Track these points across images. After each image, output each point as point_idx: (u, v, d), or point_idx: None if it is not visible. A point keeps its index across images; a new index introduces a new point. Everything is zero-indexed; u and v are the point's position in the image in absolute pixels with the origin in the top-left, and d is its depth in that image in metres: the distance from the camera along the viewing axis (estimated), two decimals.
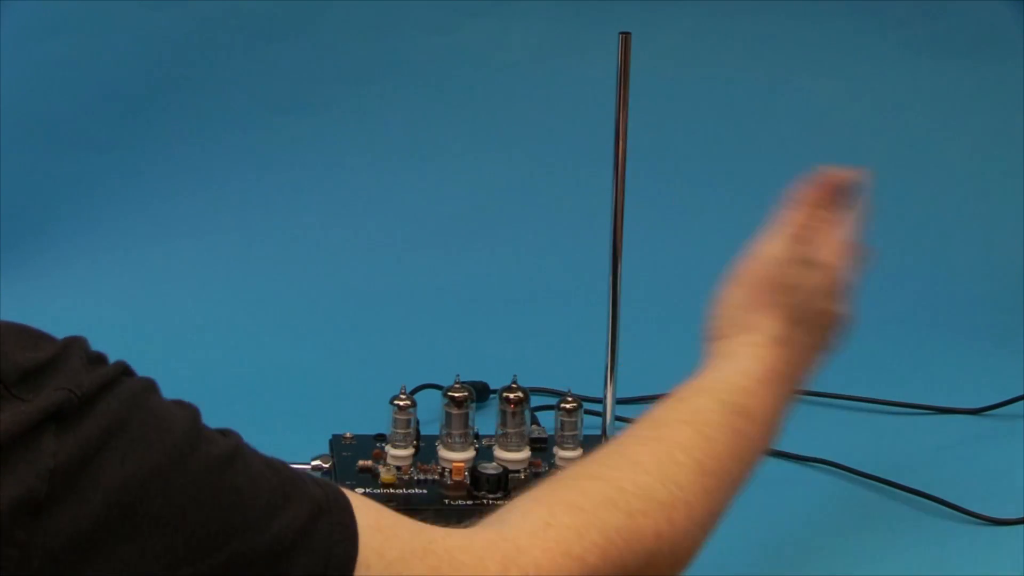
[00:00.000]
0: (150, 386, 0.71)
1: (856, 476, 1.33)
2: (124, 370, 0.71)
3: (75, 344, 0.70)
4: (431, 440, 1.27)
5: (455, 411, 1.25)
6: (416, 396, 1.29)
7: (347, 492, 0.75)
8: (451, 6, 1.87)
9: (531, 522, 0.81)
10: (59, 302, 1.61)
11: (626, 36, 1.12)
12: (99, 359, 0.71)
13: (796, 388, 1.02)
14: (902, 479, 1.30)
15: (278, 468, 0.74)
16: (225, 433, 0.73)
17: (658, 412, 0.94)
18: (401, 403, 1.25)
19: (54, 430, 0.66)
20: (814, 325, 1.02)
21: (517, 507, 0.84)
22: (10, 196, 1.77)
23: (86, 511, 0.66)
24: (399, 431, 1.25)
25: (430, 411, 1.31)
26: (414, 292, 1.74)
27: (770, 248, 1.03)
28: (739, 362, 0.98)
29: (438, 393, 1.28)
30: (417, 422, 1.26)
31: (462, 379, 1.27)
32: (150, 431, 0.68)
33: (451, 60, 1.88)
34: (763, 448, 0.97)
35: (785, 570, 1.16)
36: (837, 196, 1.04)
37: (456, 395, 1.25)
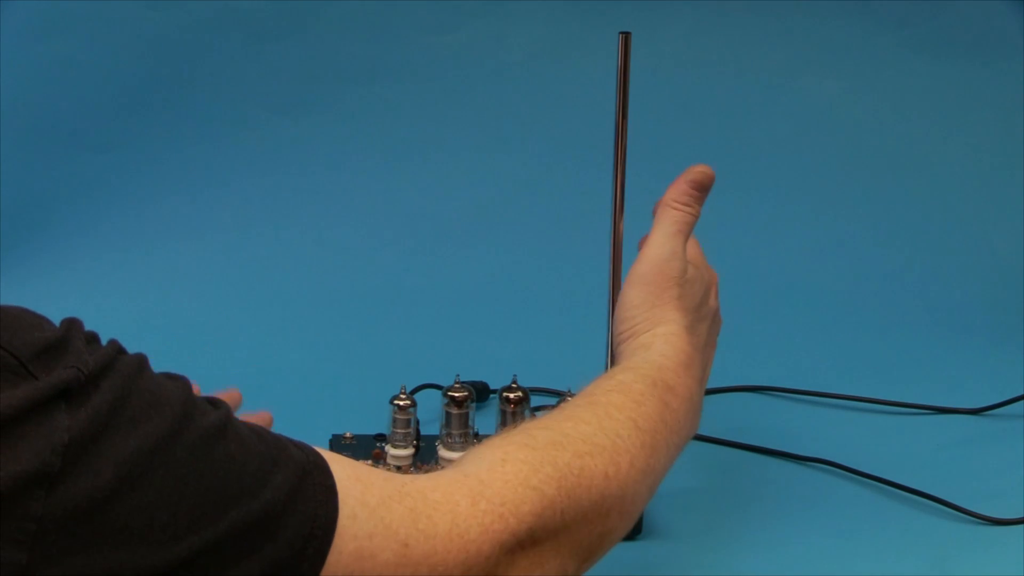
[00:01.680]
0: (144, 362, 0.74)
1: (856, 476, 1.33)
2: (119, 349, 0.74)
3: (74, 325, 0.73)
4: (431, 440, 1.27)
5: (455, 411, 1.25)
6: (416, 396, 1.29)
7: (319, 450, 0.79)
8: (451, 6, 1.87)
9: (488, 460, 0.86)
10: (59, 302, 1.60)
11: (626, 36, 1.12)
12: (94, 338, 0.74)
13: (704, 377, 1.09)
14: (902, 479, 1.30)
15: (262, 434, 0.77)
16: (214, 403, 0.77)
17: (586, 389, 0.99)
18: (401, 403, 1.25)
19: (64, 407, 0.68)
20: (706, 318, 1.10)
21: (472, 453, 0.89)
22: (10, 196, 1.77)
23: (98, 483, 0.68)
24: (399, 431, 1.25)
25: (430, 411, 1.31)
26: (414, 292, 1.74)
27: (659, 247, 1.07)
28: (656, 348, 1.04)
29: (438, 393, 1.28)
30: (417, 422, 1.26)
31: (462, 379, 1.27)
32: (150, 406, 0.71)
33: (451, 60, 1.88)
34: (688, 426, 1.03)
35: (785, 570, 1.16)
36: (703, 195, 1.09)
37: (456, 395, 1.25)
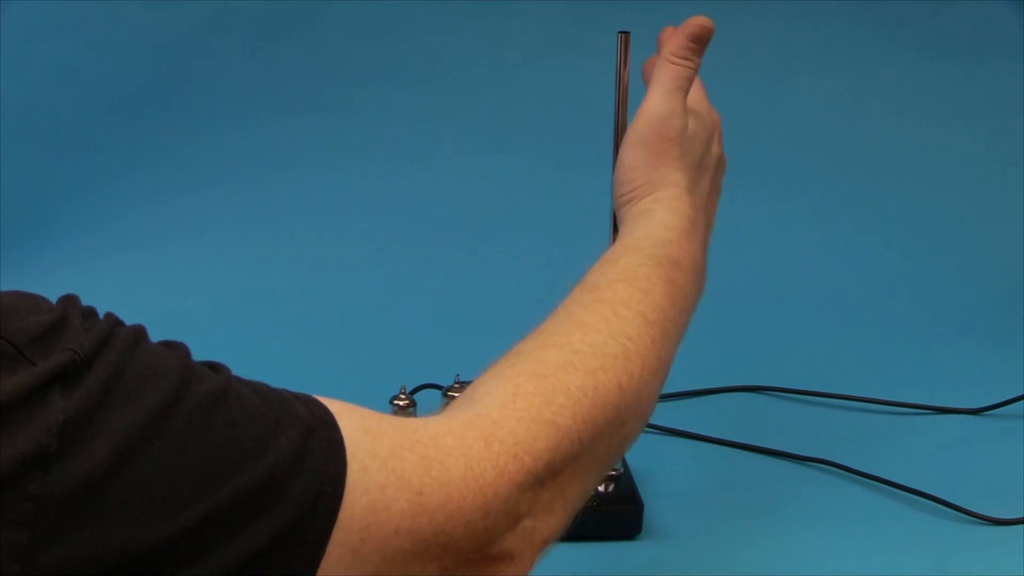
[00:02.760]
0: (141, 333, 0.74)
1: (856, 476, 1.33)
2: (115, 322, 0.74)
3: (71, 303, 0.73)
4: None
5: None
6: (416, 396, 1.29)
7: (326, 401, 0.78)
8: (451, 6, 1.87)
9: (498, 396, 0.85)
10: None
11: (626, 36, 1.12)
12: (91, 313, 0.74)
13: (708, 232, 1.07)
14: (902, 479, 1.30)
15: (266, 394, 0.76)
16: (215, 367, 0.77)
17: (591, 277, 0.97)
18: (401, 403, 1.25)
19: (59, 389, 0.68)
20: (709, 169, 1.07)
21: (481, 385, 0.87)
22: (10, 196, 1.77)
23: (96, 460, 0.68)
24: None
25: (430, 411, 1.30)
26: (414, 292, 1.74)
27: (658, 105, 1.05)
28: (658, 217, 1.01)
29: (438, 393, 1.29)
30: None
31: (462, 379, 1.28)
32: (146, 378, 0.71)
33: (451, 60, 1.88)
34: (694, 295, 1.01)
35: (785, 570, 1.16)
36: (702, 47, 1.07)
37: (456, 395, 1.25)
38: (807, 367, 1.57)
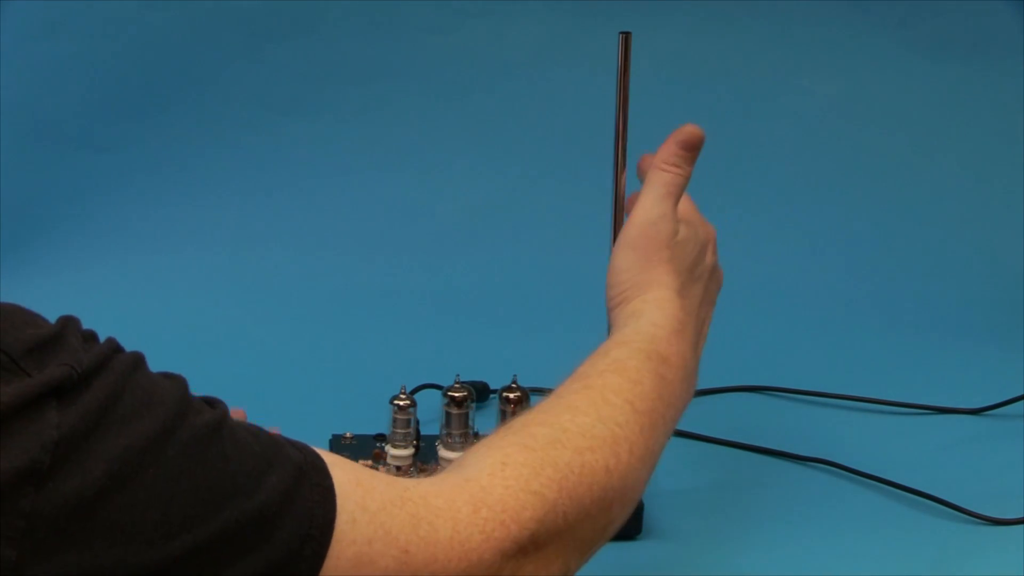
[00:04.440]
0: (140, 361, 0.74)
1: (856, 476, 1.33)
2: (116, 347, 0.73)
3: (71, 323, 0.73)
4: (431, 440, 1.27)
5: (455, 411, 1.25)
6: (416, 396, 1.29)
7: (320, 452, 0.78)
8: (451, 6, 1.87)
9: (488, 464, 0.85)
10: (59, 302, 1.60)
11: (626, 36, 1.12)
12: (92, 336, 0.74)
13: (700, 341, 1.07)
14: (902, 479, 1.30)
15: (258, 434, 0.77)
16: (211, 403, 0.76)
17: (582, 368, 0.98)
18: (401, 403, 1.25)
19: (55, 404, 0.68)
20: (701, 278, 1.08)
21: (472, 454, 0.87)
22: (10, 196, 1.77)
23: (88, 481, 0.68)
24: (399, 431, 1.25)
25: (430, 411, 1.31)
26: (414, 292, 1.74)
27: (648, 210, 1.06)
28: (647, 316, 1.02)
29: (438, 393, 1.28)
30: (417, 422, 1.26)
31: (462, 379, 1.27)
32: (143, 404, 0.71)
33: (451, 60, 1.88)
34: (684, 394, 1.01)
35: (785, 570, 1.16)
36: (694, 155, 1.08)
37: (456, 395, 1.25)
38: (807, 367, 1.57)
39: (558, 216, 1.83)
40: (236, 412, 1.13)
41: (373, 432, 1.29)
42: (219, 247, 1.80)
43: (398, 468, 1.24)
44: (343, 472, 0.77)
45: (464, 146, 1.88)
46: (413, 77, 1.88)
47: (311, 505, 0.74)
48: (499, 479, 0.83)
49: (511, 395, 1.26)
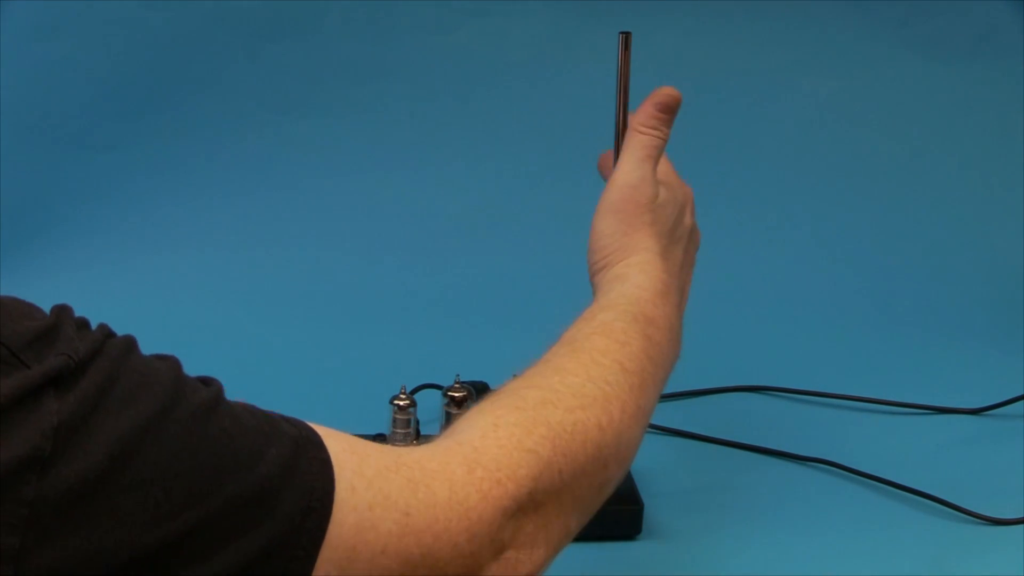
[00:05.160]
0: (132, 344, 0.74)
1: (856, 476, 1.33)
2: (108, 333, 0.74)
3: (64, 312, 0.73)
4: (431, 440, 1.27)
5: (455, 411, 1.25)
6: (416, 396, 1.29)
7: (313, 425, 0.79)
8: (451, 6, 1.87)
9: (479, 426, 0.85)
10: (59, 302, 1.61)
11: (626, 36, 1.12)
12: (84, 324, 0.74)
13: (683, 301, 1.08)
14: (902, 479, 1.30)
15: (254, 411, 0.77)
16: (206, 381, 0.76)
17: (569, 333, 0.98)
18: (401, 403, 1.25)
19: (53, 392, 0.68)
20: (681, 240, 1.08)
21: (462, 420, 0.88)
22: (10, 196, 1.77)
23: (89, 464, 0.68)
24: (399, 431, 1.25)
25: (430, 411, 1.31)
26: (414, 292, 1.74)
27: (628, 173, 1.06)
28: (632, 279, 1.02)
29: (438, 393, 1.29)
30: (417, 422, 1.26)
31: (462, 379, 1.27)
32: (139, 385, 0.71)
33: (451, 60, 1.88)
34: (671, 355, 1.02)
35: (784, 570, 1.16)
36: (671, 116, 1.08)
37: (456, 395, 1.25)
38: (807, 367, 1.57)
39: (558, 216, 1.83)
40: None
41: (373, 432, 1.29)
42: (219, 247, 1.80)
43: None
44: (337, 442, 0.78)
45: (464, 146, 1.88)
46: (413, 77, 1.88)
47: (310, 478, 0.75)
48: (492, 439, 0.84)
49: None
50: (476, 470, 0.81)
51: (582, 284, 1.67)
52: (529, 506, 0.83)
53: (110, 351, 0.72)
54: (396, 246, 1.81)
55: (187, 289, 1.73)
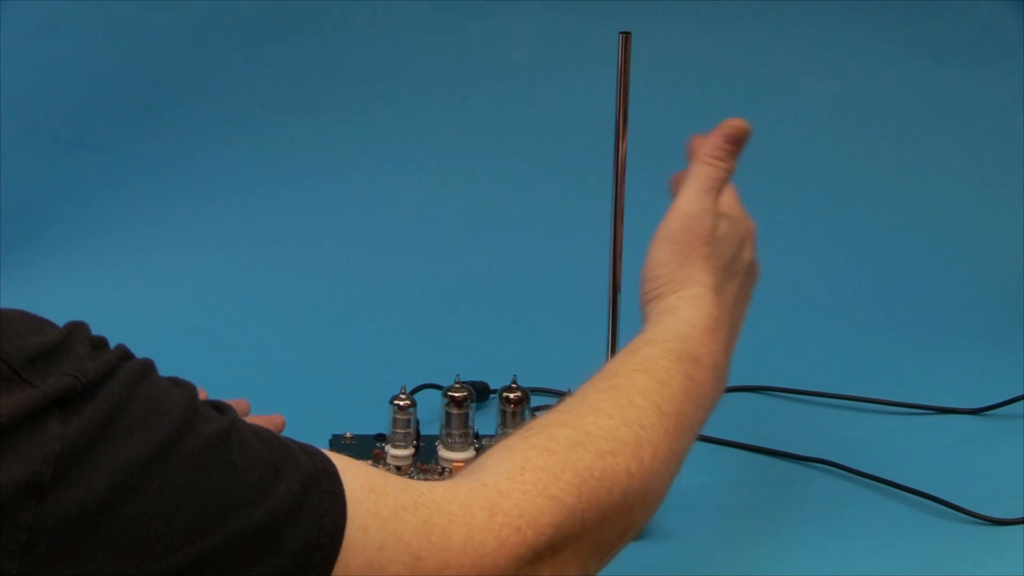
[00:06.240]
0: (148, 368, 0.72)
1: (856, 476, 1.33)
2: (124, 354, 0.72)
3: (78, 330, 0.71)
4: (431, 440, 1.27)
5: (455, 411, 1.25)
6: (416, 396, 1.29)
7: (333, 456, 0.77)
8: (451, 6, 1.87)
9: (507, 468, 0.84)
10: (59, 303, 1.61)
11: (626, 36, 1.12)
12: (101, 343, 0.72)
13: (733, 337, 1.06)
14: (902, 479, 1.30)
15: (269, 440, 0.75)
16: (220, 408, 0.75)
17: (611, 366, 0.97)
18: (401, 403, 1.25)
19: (58, 415, 0.67)
20: (738, 274, 1.07)
21: (490, 457, 0.86)
22: (9, 196, 1.77)
23: (91, 493, 0.67)
24: (399, 431, 1.25)
25: (430, 411, 1.31)
26: (414, 292, 1.74)
27: (689, 204, 1.05)
28: (681, 313, 1.01)
29: (438, 393, 1.28)
30: (417, 422, 1.26)
31: (462, 379, 1.27)
32: (149, 413, 0.70)
33: (451, 60, 1.88)
34: (713, 394, 1.00)
35: (785, 570, 1.16)
36: (738, 148, 1.07)
37: (456, 395, 1.25)
38: (807, 367, 1.57)
39: (558, 216, 1.83)
40: (239, 404, 1.13)
41: (373, 432, 1.29)
42: (219, 247, 1.80)
43: (398, 468, 1.24)
44: (355, 478, 0.76)
45: (464, 146, 1.88)
46: (413, 77, 1.88)
47: (320, 513, 0.73)
48: (517, 483, 0.82)
49: (511, 395, 1.26)
50: (497, 515, 0.80)
51: (582, 284, 1.67)
52: (547, 552, 0.81)
53: (122, 375, 0.70)
54: (396, 246, 1.81)
55: (187, 289, 1.73)
